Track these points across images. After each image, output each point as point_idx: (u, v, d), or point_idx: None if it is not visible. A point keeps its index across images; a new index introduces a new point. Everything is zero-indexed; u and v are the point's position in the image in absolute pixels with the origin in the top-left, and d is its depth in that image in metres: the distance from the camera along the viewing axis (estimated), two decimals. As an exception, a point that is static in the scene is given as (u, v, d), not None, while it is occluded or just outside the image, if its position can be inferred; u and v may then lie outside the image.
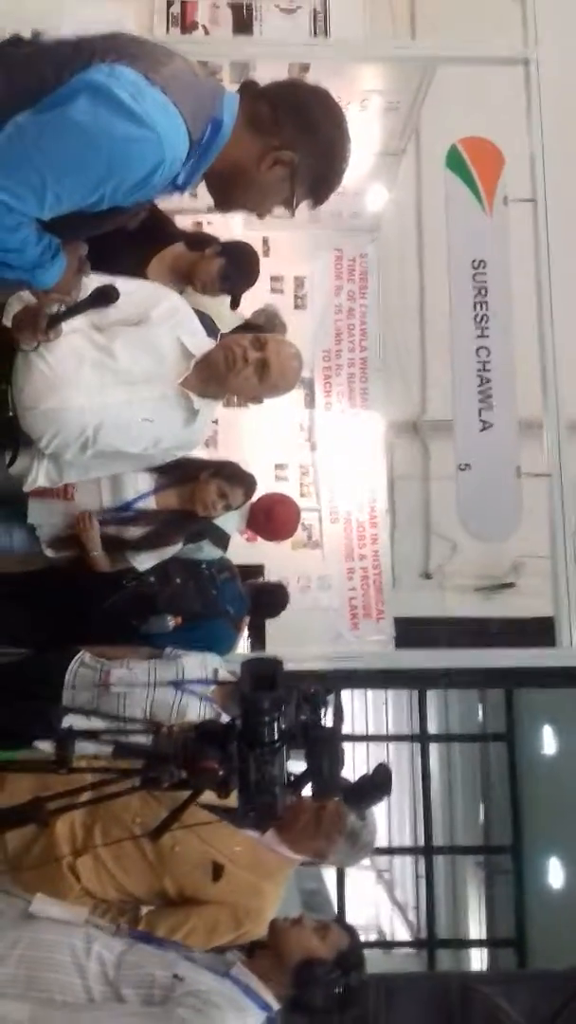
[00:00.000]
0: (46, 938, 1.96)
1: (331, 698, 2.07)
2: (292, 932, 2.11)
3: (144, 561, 3.18)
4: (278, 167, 1.91)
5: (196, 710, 3.08)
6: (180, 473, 3.23)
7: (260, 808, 2.00)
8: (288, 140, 1.89)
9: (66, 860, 2.36)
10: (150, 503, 3.15)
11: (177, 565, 3.47)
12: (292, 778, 2.02)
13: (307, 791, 2.53)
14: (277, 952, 2.09)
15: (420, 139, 5.51)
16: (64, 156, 1.69)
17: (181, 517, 3.18)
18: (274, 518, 4.09)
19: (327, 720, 2.01)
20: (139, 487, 3.10)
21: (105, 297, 2.21)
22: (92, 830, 2.44)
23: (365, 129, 5.14)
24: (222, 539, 3.73)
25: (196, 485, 3.20)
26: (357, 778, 2.01)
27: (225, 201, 2.00)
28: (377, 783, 1.98)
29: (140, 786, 2.07)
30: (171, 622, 3.49)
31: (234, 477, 3.30)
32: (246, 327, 3.70)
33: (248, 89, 1.93)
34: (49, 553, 3.12)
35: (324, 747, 1.96)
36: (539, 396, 4.12)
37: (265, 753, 1.96)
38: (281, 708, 1.98)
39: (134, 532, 3.08)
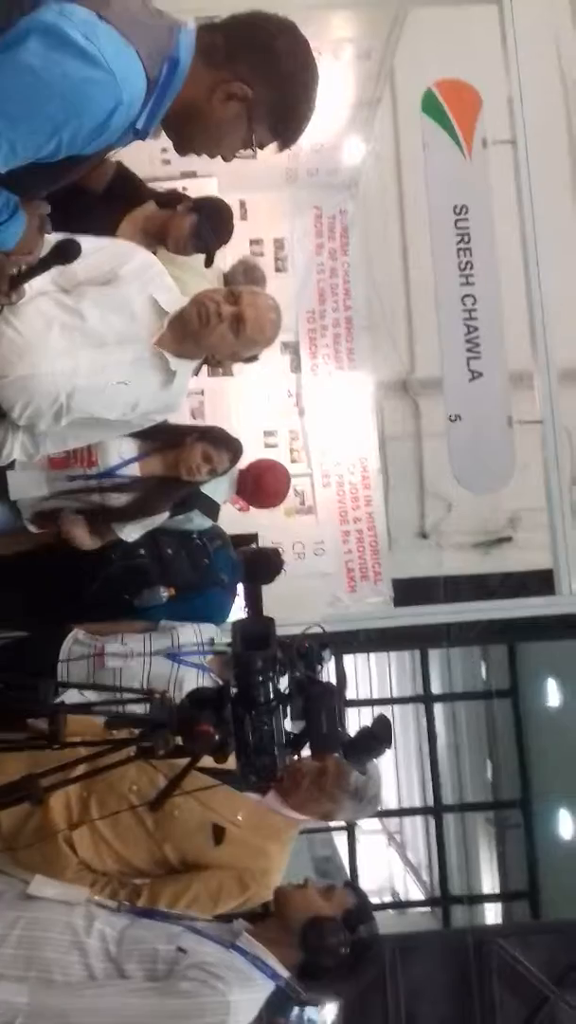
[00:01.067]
0: (44, 917, 1.92)
1: (327, 653, 2.02)
2: (297, 895, 2.08)
3: (130, 532, 3.11)
4: (232, 102, 1.80)
5: (194, 681, 3.03)
6: (164, 439, 3.16)
7: (259, 769, 1.96)
8: (242, 72, 1.79)
9: (62, 834, 2.31)
10: (134, 470, 3.08)
11: (167, 536, 3.41)
12: (291, 737, 1.97)
13: (306, 751, 2.50)
14: (283, 916, 2.06)
15: (395, 86, 5.37)
16: (17, 102, 1.59)
17: (166, 484, 3.11)
18: (263, 485, 4.01)
19: (322, 676, 1.95)
20: (123, 452, 3.02)
21: (65, 252, 2.10)
22: (88, 802, 2.38)
23: (338, 80, 5.02)
24: (212, 509, 3.67)
25: (181, 449, 3.12)
26: (356, 731, 1.96)
27: (182, 142, 1.90)
28: (377, 735, 1.93)
29: (136, 756, 2.02)
30: (164, 594, 3.43)
31: (220, 441, 3.22)
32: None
33: (204, 26, 1.83)
34: (32, 529, 3.05)
35: (321, 703, 1.90)
36: (528, 347, 4.04)
37: (261, 714, 1.92)
38: (275, 667, 1.93)
39: (118, 500, 3.01)
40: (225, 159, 1.93)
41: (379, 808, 2.65)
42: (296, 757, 2.48)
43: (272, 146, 1.91)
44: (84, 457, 2.92)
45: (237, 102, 1.80)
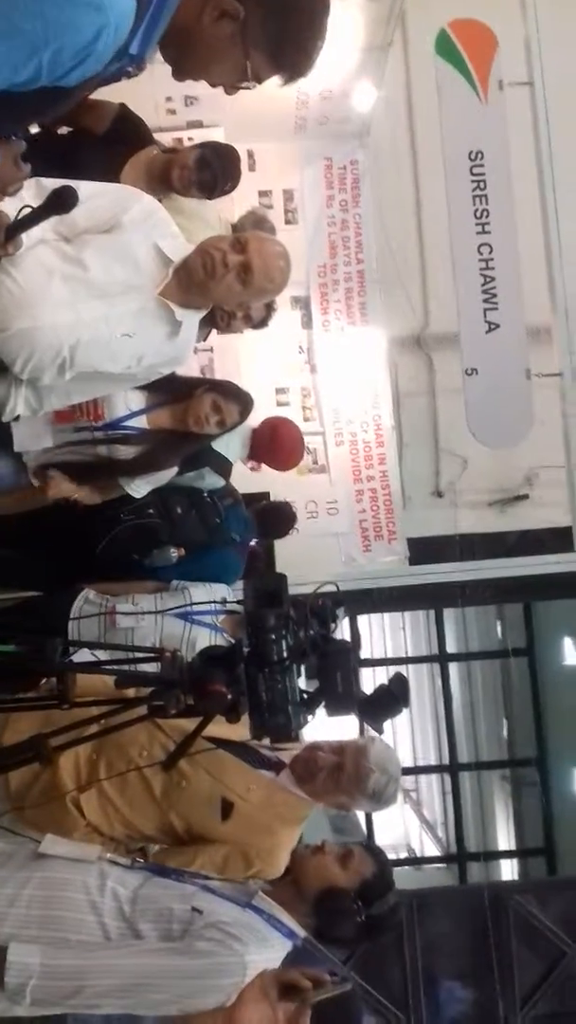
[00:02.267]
0: (58, 876, 1.89)
1: (341, 611, 1.96)
2: (312, 861, 2.03)
3: (139, 487, 3.05)
4: (224, 20, 1.68)
5: (207, 640, 2.98)
6: (173, 391, 3.08)
7: (274, 729, 1.91)
8: None
9: (70, 795, 2.27)
10: (142, 422, 3.01)
11: (177, 495, 3.36)
12: (305, 695, 1.92)
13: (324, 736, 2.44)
14: (298, 881, 2.02)
15: (407, 29, 5.18)
16: None
17: (174, 437, 3.04)
18: (279, 442, 3.93)
19: (337, 633, 1.89)
20: (130, 404, 2.95)
21: (62, 200, 2.02)
22: (97, 764, 2.34)
23: (348, 23, 4.84)
24: (223, 467, 3.60)
25: (190, 400, 3.05)
26: (373, 690, 1.90)
27: (178, 68, 1.79)
28: (395, 693, 1.87)
29: (146, 715, 1.98)
30: (175, 554, 3.38)
31: (230, 393, 3.15)
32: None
33: None
34: (35, 483, 2.99)
35: (336, 661, 1.85)
36: (546, 300, 3.93)
37: (274, 672, 1.87)
38: (288, 625, 1.87)
39: (126, 453, 2.94)
40: (225, 90, 1.81)
41: (396, 798, 2.58)
42: (315, 745, 2.44)
43: (276, 79, 1.79)
44: (90, 410, 2.86)
45: (229, 20, 1.68)
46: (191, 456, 3.27)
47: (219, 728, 2.37)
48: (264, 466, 4.28)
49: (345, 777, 2.42)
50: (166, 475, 3.10)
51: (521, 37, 4.09)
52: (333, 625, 1.93)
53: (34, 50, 1.52)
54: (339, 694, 1.86)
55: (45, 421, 2.81)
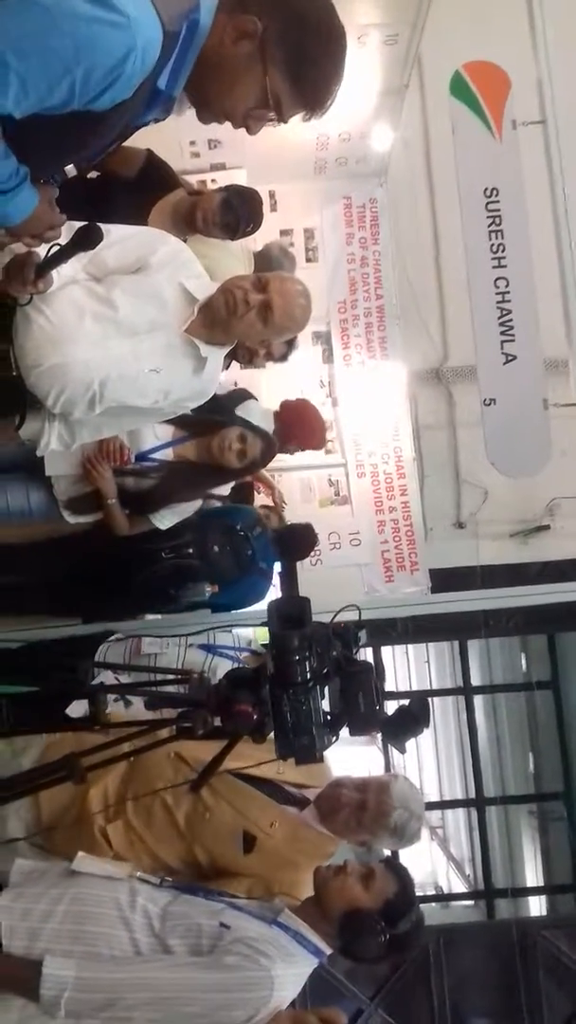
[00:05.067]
0: (90, 893, 1.93)
1: (363, 634, 2.00)
2: (335, 882, 2.04)
3: (164, 517, 3.12)
4: (243, 41, 1.74)
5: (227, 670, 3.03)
6: (202, 426, 3.17)
7: (298, 750, 1.95)
8: (255, 10, 1.72)
9: (98, 826, 2.31)
10: (168, 454, 3.09)
11: (214, 531, 3.43)
12: (329, 717, 1.96)
13: (343, 756, 2.45)
14: (321, 902, 2.04)
15: (423, 71, 5.32)
16: (27, 36, 1.56)
17: (196, 470, 3.12)
18: (309, 422, 4.01)
19: (359, 655, 1.94)
20: (159, 435, 3.04)
21: (88, 237, 2.09)
22: (124, 799, 2.38)
23: (365, 66, 4.99)
24: None
25: (219, 432, 3.12)
26: (394, 711, 1.94)
27: (201, 100, 1.83)
28: (415, 715, 1.91)
29: (175, 735, 2.03)
30: (208, 590, 3.46)
31: (257, 430, 3.23)
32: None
33: None
34: (69, 518, 3.07)
35: (359, 683, 1.89)
36: (562, 332, 3.99)
37: (298, 693, 1.91)
38: (311, 646, 1.92)
39: (151, 484, 3.02)
40: (248, 129, 1.85)
41: (419, 836, 2.59)
42: (339, 783, 2.46)
43: (297, 117, 1.85)
44: (116, 456, 2.94)
45: (249, 41, 1.74)
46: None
47: (248, 763, 2.43)
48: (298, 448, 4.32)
49: (368, 815, 2.43)
50: (190, 507, 3.16)
51: (533, 78, 4.17)
52: (355, 646, 1.98)
53: (66, 69, 1.59)
54: (362, 714, 1.90)
55: (75, 448, 2.90)
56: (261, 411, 3.89)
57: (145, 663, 3.09)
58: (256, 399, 4.00)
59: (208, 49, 1.76)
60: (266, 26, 1.73)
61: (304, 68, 1.78)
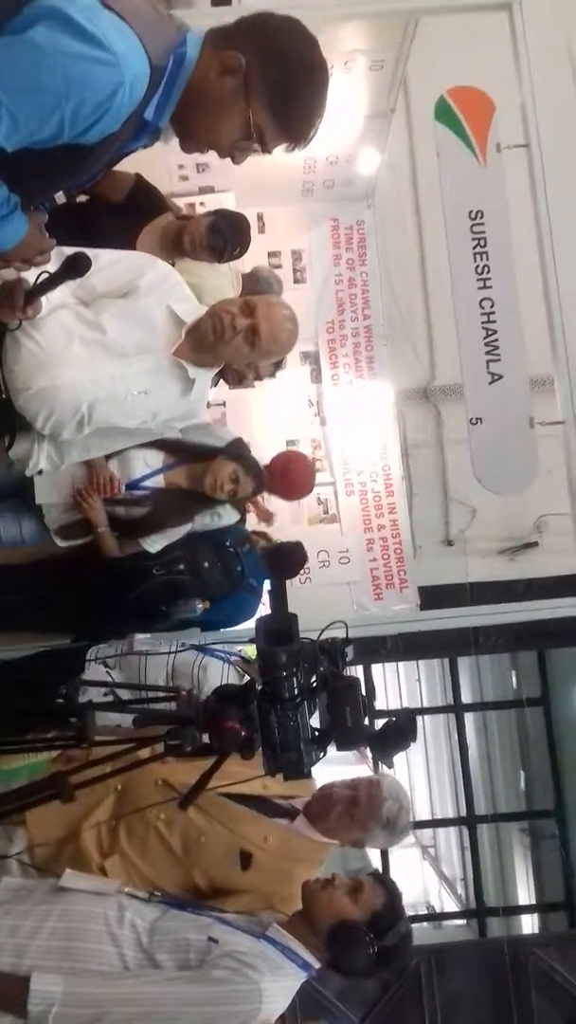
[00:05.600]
0: (78, 909, 1.94)
1: (350, 649, 2.03)
2: (323, 895, 2.06)
3: (154, 542, 3.15)
4: (227, 77, 1.79)
5: (218, 668, 3.05)
6: (194, 453, 3.20)
7: (286, 766, 1.97)
8: (238, 45, 1.78)
9: (96, 863, 2.32)
10: (159, 481, 3.12)
11: (204, 548, 3.45)
12: (316, 733, 1.98)
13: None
14: (309, 915, 2.05)
15: (409, 96, 5.41)
16: (18, 73, 1.62)
17: (187, 498, 3.15)
18: (291, 477, 4.04)
19: (346, 671, 1.96)
20: (148, 462, 3.07)
21: (77, 265, 2.14)
22: (117, 831, 2.40)
23: (351, 91, 5.06)
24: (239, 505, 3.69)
25: (211, 463, 3.16)
26: (381, 726, 1.96)
27: (186, 132, 1.89)
28: (402, 728, 1.93)
29: (164, 752, 2.04)
30: (200, 606, 3.48)
31: (251, 468, 3.27)
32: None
33: (214, 28, 1.86)
34: (60, 543, 3.10)
35: (345, 697, 1.91)
36: (548, 352, 4.04)
37: (286, 709, 1.93)
38: (298, 663, 1.94)
39: (141, 512, 3.05)
40: (233, 159, 1.91)
41: (409, 831, 2.63)
42: (330, 784, 2.49)
43: (281, 147, 1.91)
44: (107, 487, 2.97)
45: (232, 76, 1.79)
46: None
47: (233, 782, 2.44)
48: (280, 498, 4.35)
49: (360, 808, 2.48)
50: (180, 531, 3.19)
51: (517, 102, 4.24)
52: (342, 662, 2.00)
53: (57, 104, 1.64)
54: (349, 729, 1.92)
55: (66, 475, 2.92)
56: None
57: (136, 661, 3.11)
58: (249, 451, 4.01)
59: (194, 83, 1.81)
60: (249, 62, 1.78)
61: (287, 103, 1.83)
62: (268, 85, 1.80)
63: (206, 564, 3.46)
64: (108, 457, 3.10)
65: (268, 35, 1.80)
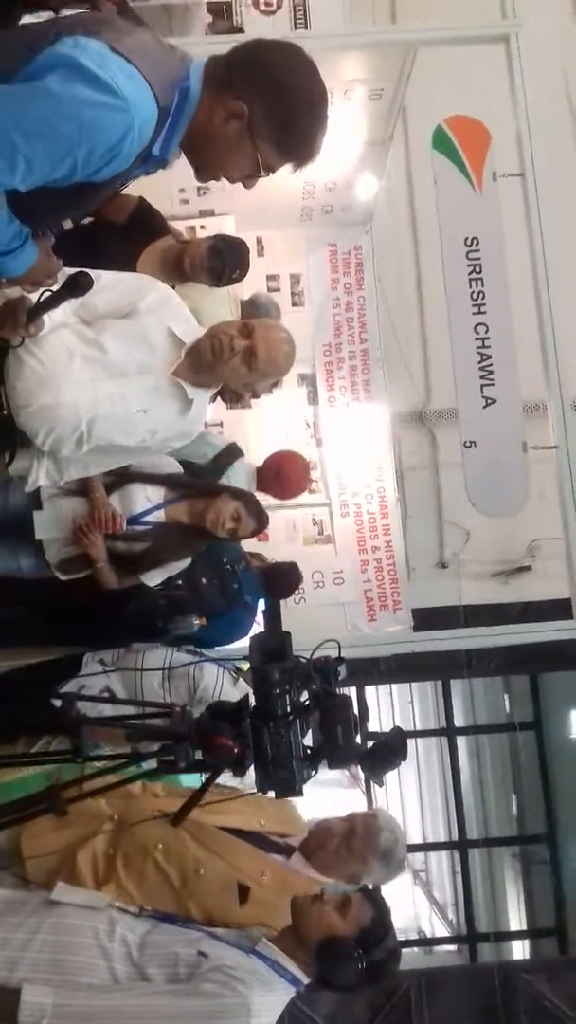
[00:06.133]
0: (68, 922, 1.95)
1: (343, 668, 2.05)
2: (312, 911, 2.07)
3: (152, 577, 3.17)
4: (232, 121, 1.86)
5: (214, 673, 3.07)
6: (196, 489, 3.23)
7: (278, 783, 1.99)
8: (238, 90, 1.84)
9: (90, 887, 2.31)
10: (160, 516, 3.15)
11: (202, 567, 3.48)
12: (308, 751, 2.00)
13: (328, 800, 2.51)
14: (298, 930, 2.06)
15: (407, 124, 5.50)
16: (33, 119, 1.68)
17: (186, 534, 3.18)
18: (285, 476, 4.08)
19: (338, 689, 1.99)
20: (150, 496, 3.10)
21: (78, 284, 2.18)
22: (114, 860, 2.40)
23: (351, 119, 5.15)
24: None
25: (213, 500, 3.19)
26: (372, 744, 1.98)
27: (197, 167, 1.97)
28: (393, 747, 1.95)
29: (157, 769, 2.06)
30: (196, 623, 3.51)
31: (253, 508, 3.30)
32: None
33: (213, 56, 1.92)
34: (62, 577, 3.13)
35: (337, 716, 1.94)
36: (541, 377, 4.10)
37: (279, 726, 1.95)
38: (291, 680, 1.96)
39: (141, 547, 3.08)
40: (243, 184, 1.99)
41: (405, 866, 2.64)
42: (326, 820, 2.51)
43: (286, 168, 1.96)
44: (108, 524, 3.01)
45: (237, 120, 1.86)
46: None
47: (231, 818, 2.48)
48: (275, 498, 4.40)
49: (357, 839, 2.49)
50: (179, 566, 3.21)
51: (513, 132, 4.32)
52: (335, 680, 2.02)
53: (70, 149, 1.71)
54: (340, 747, 1.94)
55: (67, 510, 2.96)
56: (247, 471, 3.97)
57: (133, 660, 3.13)
58: (243, 455, 4.06)
59: (199, 125, 1.89)
60: (251, 106, 1.85)
61: (291, 138, 1.91)
62: (271, 127, 1.87)
63: (204, 581, 3.49)
64: (109, 492, 3.15)
65: (267, 74, 1.85)
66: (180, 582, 3.40)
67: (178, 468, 3.35)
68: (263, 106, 1.85)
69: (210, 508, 3.18)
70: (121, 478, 3.18)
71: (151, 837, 2.41)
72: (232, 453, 3.83)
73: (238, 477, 3.74)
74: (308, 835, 2.57)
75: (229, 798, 2.35)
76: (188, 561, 3.28)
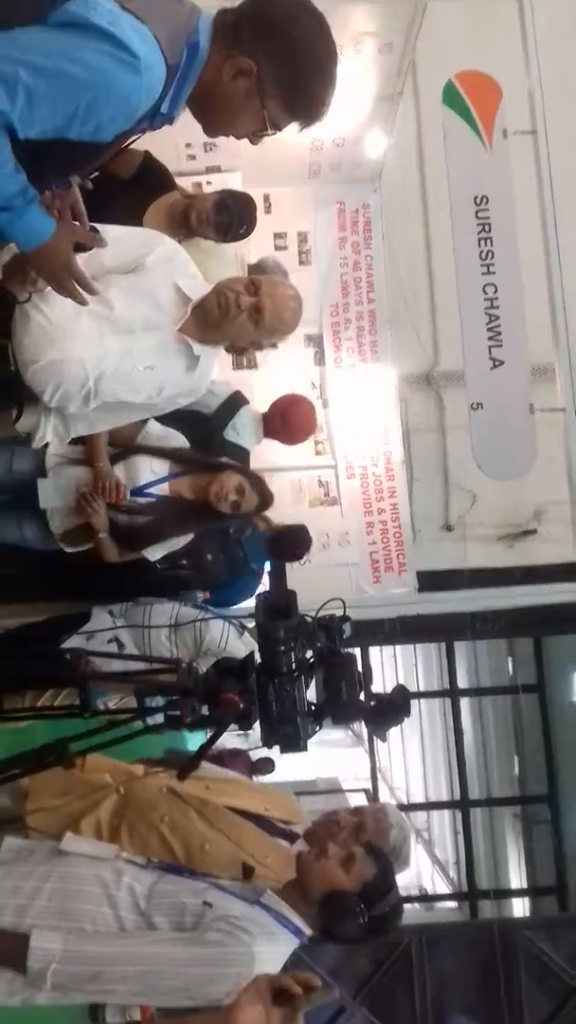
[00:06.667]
0: (77, 871, 1.99)
1: (348, 627, 2.06)
2: (316, 866, 2.09)
3: (154, 552, 3.18)
4: (240, 78, 1.84)
5: (220, 627, 3.09)
6: (200, 464, 3.23)
7: (283, 739, 2.01)
8: (248, 47, 1.82)
9: None
10: (164, 489, 3.15)
11: (208, 541, 3.48)
12: (313, 707, 2.02)
13: (333, 760, 2.52)
14: (302, 884, 2.09)
15: (417, 80, 5.39)
16: (42, 55, 1.65)
17: (189, 510, 3.18)
18: (291, 420, 4.08)
19: (343, 647, 2.00)
20: (155, 469, 3.10)
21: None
22: (119, 831, 2.42)
23: (360, 75, 5.06)
24: (241, 456, 3.73)
25: (217, 474, 3.18)
26: (375, 701, 2.00)
27: (204, 123, 1.95)
28: (396, 703, 1.97)
29: (163, 724, 2.08)
30: (201, 597, 3.53)
31: (257, 483, 3.29)
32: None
33: (221, 10, 1.89)
34: (67, 550, 3.13)
35: (342, 673, 1.95)
36: (550, 339, 4.07)
37: (284, 683, 1.97)
38: (297, 638, 1.98)
39: (144, 521, 3.09)
40: (250, 140, 1.97)
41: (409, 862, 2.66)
42: (335, 811, 2.53)
43: (294, 126, 1.94)
44: (112, 493, 3.01)
45: (245, 78, 1.84)
46: (209, 444, 3.38)
47: (238, 800, 2.50)
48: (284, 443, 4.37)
49: (367, 835, 2.47)
50: (180, 541, 3.22)
51: (524, 88, 4.25)
52: (340, 639, 2.04)
53: (74, 93, 1.67)
54: (344, 704, 1.96)
55: (71, 480, 2.96)
56: (254, 418, 3.95)
57: (140, 612, 3.15)
58: (248, 403, 4.06)
59: (207, 81, 1.86)
60: (261, 64, 1.83)
61: (300, 98, 1.89)
62: (280, 86, 1.85)
63: (210, 557, 3.50)
64: (114, 462, 3.15)
65: (276, 32, 1.83)
66: (185, 561, 3.40)
67: (185, 443, 3.34)
68: (272, 64, 1.83)
69: (213, 482, 3.17)
70: (127, 449, 3.18)
71: (157, 810, 2.43)
72: (236, 401, 3.81)
73: (245, 426, 3.73)
74: (315, 824, 2.59)
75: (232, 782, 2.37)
76: (190, 537, 3.28)
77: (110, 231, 2.44)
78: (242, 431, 3.64)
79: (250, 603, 3.34)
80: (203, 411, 3.59)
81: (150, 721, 2.02)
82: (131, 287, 2.55)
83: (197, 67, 1.83)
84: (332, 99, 1.93)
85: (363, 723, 2.08)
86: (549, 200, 4.02)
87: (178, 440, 3.30)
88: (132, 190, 3.20)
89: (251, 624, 3.24)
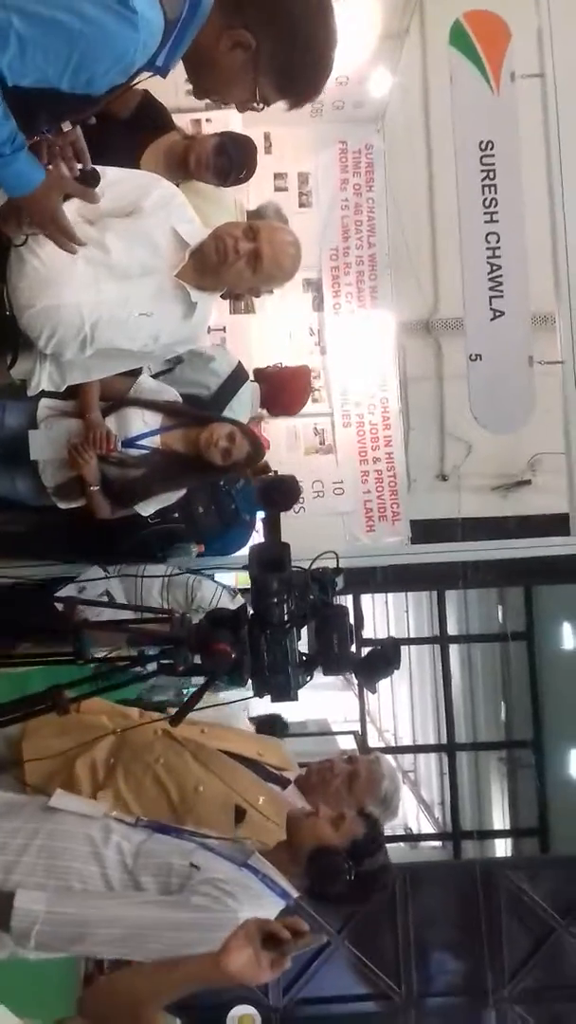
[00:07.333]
0: (65, 829, 1.99)
1: (340, 579, 2.08)
2: (306, 823, 2.10)
3: (146, 506, 3.17)
4: (237, 50, 1.82)
5: (211, 588, 3.11)
6: (193, 417, 3.21)
7: (274, 688, 2.04)
8: (250, 21, 1.80)
9: (86, 794, 2.36)
10: (155, 441, 3.13)
11: (199, 494, 3.48)
12: (304, 658, 2.05)
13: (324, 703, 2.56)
14: (291, 842, 2.11)
15: (424, 17, 5.26)
16: (36, 5, 1.60)
17: (181, 463, 3.16)
18: (290, 392, 4.06)
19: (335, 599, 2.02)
20: (147, 420, 3.08)
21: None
22: (114, 769, 2.44)
23: (366, 10, 4.93)
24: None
25: (210, 425, 3.17)
26: (366, 653, 2.03)
27: (195, 85, 1.94)
28: (387, 655, 2.00)
29: (156, 671, 2.11)
30: (194, 550, 3.54)
31: (248, 434, 3.27)
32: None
33: None
34: (60, 504, 3.12)
35: (334, 625, 1.97)
36: (551, 289, 4.01)
37: (276, 634, 1.99)
38: (289, 590, 2.00)
39: (135, 473, 3.07)
40: (237, 108, 1.96)
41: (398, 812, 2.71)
42: (329, 759, 2.57)
43: (282, 104, 1.93)
44: (103, 443, 2.99)
45: (243, 51, 1.82)
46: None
47: (231, 744, 2.53)
48: (270, 446, 4.39)
49: (360, 783, 2.51)
50: (172, 497, 3.21)
51: (534, 29, 4.13)
52: (332, 591, 2.05)
53: (67, 45, 1.63)
54: (335, 655, 1.99)
55: (62, 432, 2.94)
56: (252, 393, 3.93)
57: (134, 570, 3.17)
58: (248, 378, 4.01)
59: (203, 45, 1.83)
60: (259, 42, 1.81)
61: (293, 84, 1.89)
62: (275, 68, 1.84)
63: (201, 510, 3.50)
64: (106, 415, 3.12)
65: (279, 12, 1.80)
66: (176, 515, 3.40)
67: (177, 397, 3.32)
68: (270, 45, 1.81)
69: (204, 432, 3.17)
70: (119, 402, 3.16)
71: (152, 751, 2.45)
72: (237, 378, 3.77)
73: (243, 405, 3.71)
74: (308, 770, 2.62)
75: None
76: (182, 493, 3.28)
77: (107, 173, 2.40)
78: (239, 410, 3.62)
79: (243, 552, 3.36)
80: (202, 394, 3.57)
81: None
82: (128, 231, 2.50)
83: (198, 23, 1.79)
84: (325, 80, 1.92)
85: (353, 674, 2.10)
86: (556, 147, 3.93)
87: (171, 394, 3.29)
88: (130, 130, 3.12)
89: (244, 577, 3.26)
